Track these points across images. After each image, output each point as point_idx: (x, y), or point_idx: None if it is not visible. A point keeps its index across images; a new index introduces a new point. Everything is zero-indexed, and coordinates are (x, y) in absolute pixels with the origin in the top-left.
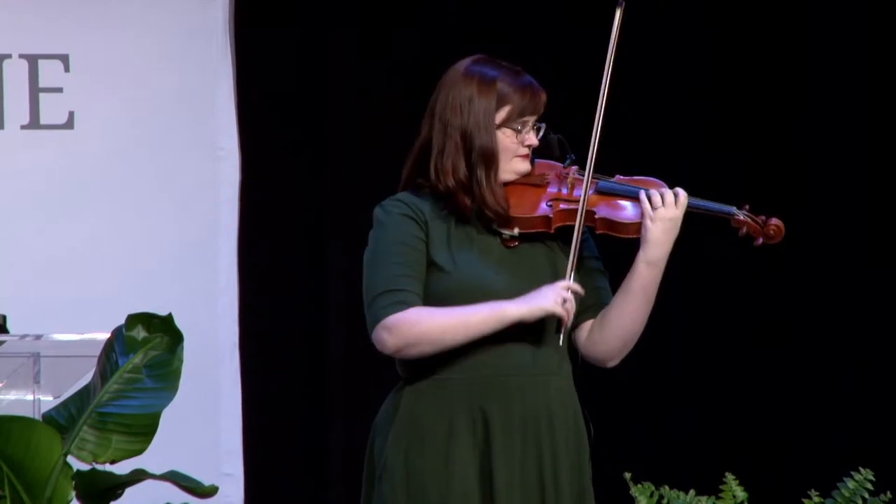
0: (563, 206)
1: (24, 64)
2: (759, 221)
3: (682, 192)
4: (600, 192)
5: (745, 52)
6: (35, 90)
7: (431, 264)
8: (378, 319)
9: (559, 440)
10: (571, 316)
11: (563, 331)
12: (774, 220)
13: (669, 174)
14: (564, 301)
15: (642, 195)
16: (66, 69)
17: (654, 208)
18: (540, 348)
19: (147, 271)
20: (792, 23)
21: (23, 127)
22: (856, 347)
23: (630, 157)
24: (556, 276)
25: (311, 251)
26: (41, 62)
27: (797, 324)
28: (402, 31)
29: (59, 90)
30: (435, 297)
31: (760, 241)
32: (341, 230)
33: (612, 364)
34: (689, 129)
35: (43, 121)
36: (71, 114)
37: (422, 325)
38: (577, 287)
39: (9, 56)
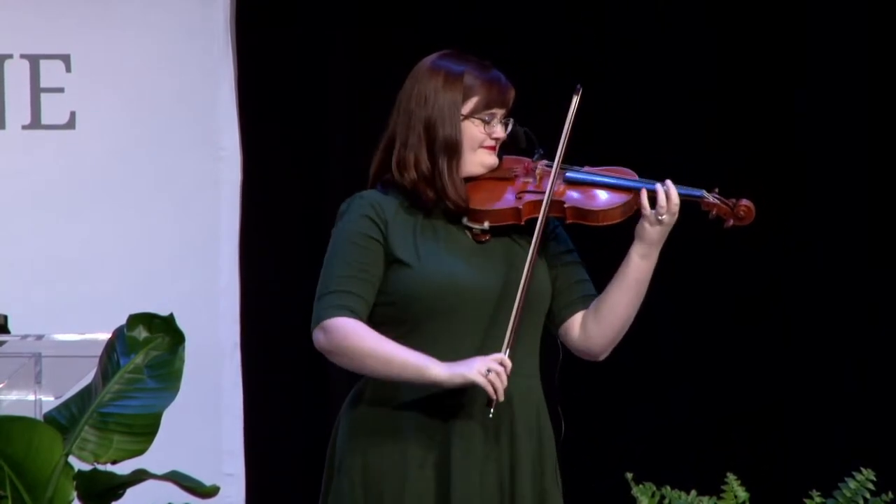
0: (532, 197)
1: (26, 64)
2: (730, 204)
3: (675, 197)
4: (569, 181)
5: (744, 51)
6: (36, 90)
7: (394, 262)
8: (319, 319)
9: (520, 443)
10: (500, 389)
11: (491, 404)
12: (744, 202)
13: (669, 173)
14: (489, 371)
15: (644, 202)
16: (68, 69)
17: (658, 214)
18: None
19: (148, 271)
20: (792, 22)
21: (24, 127)
22: (856, 347)
23: (628, 157)
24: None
25: (311, 251)
26: (42, 62)
27: (798, 324)
28: (402, 31)
29: (61, 90)
30: (400, 294)
31: (731, 222)
32: None
33: (603, 357)
34: (689, 129)
35: (44, 121)
36: (72, 114)
37: (351, 341)
38: (509, 364)
39: (10, 56)
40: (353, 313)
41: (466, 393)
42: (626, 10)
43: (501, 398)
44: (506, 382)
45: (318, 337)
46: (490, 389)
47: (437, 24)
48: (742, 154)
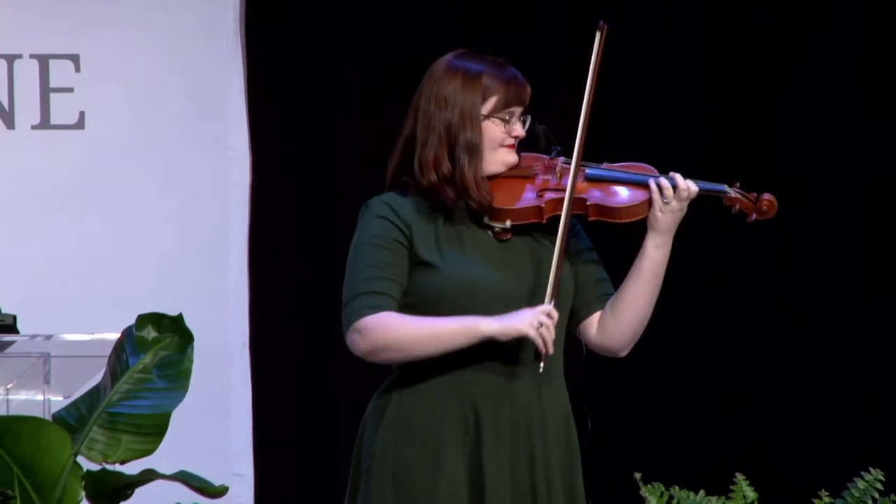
0: (553, 195)
1: (35, 64)
2: (752, 198)
3: (692, 186)
4: (589, 178)
5: (742, 49)
6: (46, 90)
7: (420, 263)
8: (351, 322)
9: (551, 441)
10: (549, 342)
11: (541, 358)
12: (767, 196)
13: (667, 170)
14: (541, 325)
15: (652, 186)
16: (77, 69)
17: (665, 201)
18: (531, 348)
19: (157, 271)
20: (790, 19)
21: (33, 127)
22: (866, 347)
23: (628, 153)
24: (548, 268)
25: (320, 251)
26: (52, 62)
27: (806, 322)
28: (410, 30)
29: (70, 90)
30: (426, 297)
31: (754, 216)
32: (351, 230)
33: (624, 353)
34: (688, 128)
35: (53, 121)
36: (81, 114)
37: (392, 332)
38: (556, 314)
39: (20, 56)
40: (383, 310)
41: (495, 391)
42: (607, 33)
43: (551, 350)
44: (553, 334)
45: (355, 340)
46: (540, 342)
47: (442, 23)
48: (741, 152)
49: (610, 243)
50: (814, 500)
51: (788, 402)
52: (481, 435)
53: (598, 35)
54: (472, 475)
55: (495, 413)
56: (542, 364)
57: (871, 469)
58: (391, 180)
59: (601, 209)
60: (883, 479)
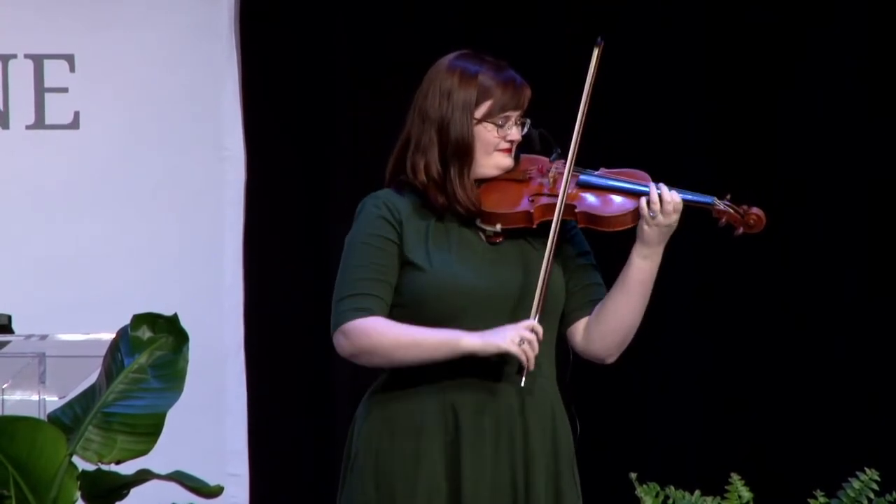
0: (544, 200)
1: (30, 64)
2: (740, 211)
3: (678, 198)
4: (581, 185)
5: (742, 49)
6: (40, 90)
7: (407, 264)
8: (338, 323)
9: (535, 442)
10: (532, 358)
11: (524, 373)
12: (755, 210)
13: (665, 175)
14: (522, 341)
15: (641, 201)
16: (72, 69)
17: (652, 214)
18: (514, 362)
19: (152, 271)
20: (790, 19)
21: (28, 127)
22: (862, 346)
23: (628, 153)
24: (538, 273)
25: (316, 251)
26: (46, 62)
27: (806, 323)
28: (408, 30)
29: (65, 90)
30: (411, 297)
31: (741, 230)
32: (346, 230)
33: (610, 360)
34: (688, 128)
35: (48, 121)
36: (76, 114)
37: (376, 337)
38: (540, 329)
39: (14, 56)
40: (372, 314)
41: (476, 390)
42: (604, 48)
43: (532, 367)
44: (537, 350)
45: (340, 342)
46: (523, 359)
47: (442, 24)
48: (740, 154)
49: (606, 249)
50: (809, 500)
51: (788, 403)
52: (461, 433)
53: (595, 51)
54: (451, 473)
55: (477, 412)
56: (523, 379)
57: (867, 469)
58: (389, 178)
59: (590, 217)
60: (878, 479)
